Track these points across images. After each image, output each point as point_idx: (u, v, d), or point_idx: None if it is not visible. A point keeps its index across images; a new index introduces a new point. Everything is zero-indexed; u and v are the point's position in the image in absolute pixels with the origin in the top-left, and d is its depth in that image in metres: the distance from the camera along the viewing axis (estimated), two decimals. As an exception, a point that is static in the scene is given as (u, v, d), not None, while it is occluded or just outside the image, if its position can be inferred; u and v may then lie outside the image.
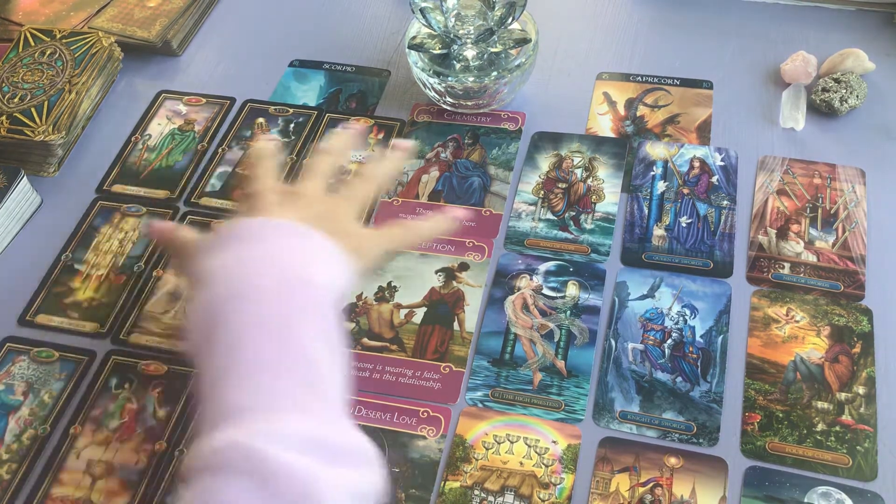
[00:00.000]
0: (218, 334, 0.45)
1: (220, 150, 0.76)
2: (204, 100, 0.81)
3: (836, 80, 0.71)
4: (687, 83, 0.76)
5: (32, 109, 0.75)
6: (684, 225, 0.66)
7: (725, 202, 0.67)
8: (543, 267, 0.65)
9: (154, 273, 0.68)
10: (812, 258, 0.63)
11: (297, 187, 0.56)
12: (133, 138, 0.78)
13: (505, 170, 0.71)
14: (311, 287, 0.48)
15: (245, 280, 0.47)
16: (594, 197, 0.69)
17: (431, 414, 0.58)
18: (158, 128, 0.79)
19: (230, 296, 0.47)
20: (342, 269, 0.51)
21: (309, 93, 0.80)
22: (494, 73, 0.70)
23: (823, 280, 0.62)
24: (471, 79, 0.70)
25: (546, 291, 0.63)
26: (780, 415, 0.56)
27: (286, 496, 0.39)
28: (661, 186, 0.69)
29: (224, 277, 0.48)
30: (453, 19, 0.70)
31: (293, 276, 0.48)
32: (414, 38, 0.72)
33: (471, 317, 0.63)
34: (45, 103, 0.76)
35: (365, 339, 0.63)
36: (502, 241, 0.67)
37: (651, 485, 0.54)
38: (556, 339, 0.61)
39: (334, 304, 0.49)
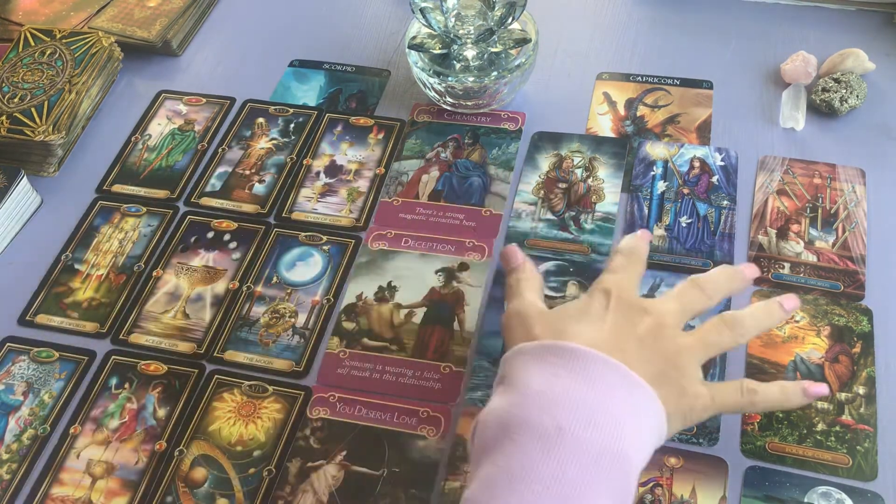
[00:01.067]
0: (501, 457, 0.42)
1: (220, 150, 0.76)
2: (204, 100, 0.81)
3: (836, 80, 0.71)
4: (687, 83, 0.76)
5: (32, 109, 0.75)
6: (684, 225, 0.66)
7: (725, 202, 0.67)
8: (543, 267, 0.65)
9: (154, 273, 0.68)
10: (812, 258, 0.63)
11: (653, 305, 0.50)
12: (133, 138, 0.78)
13: (505, 170, 0.71)
14: (622, 463, 0.43)
15: (562, 427, 0.42)
16: (594, 197, 0.69)
17: (431, 414, 0.58)
18: (158, 128, 0.79)
19: (533, 428, 0.43)
20: (659, 436, 0.46)
21: (309, 93, 0.80)
22: (494, 73, 0.70)
23: (823, 280, 0.62)
24: (471, 79, 0.70)
25: (546, 291, 0.63)
26: (780, 415, 0.56)
27: None
28: (661, 186, 0.69)
29: (536, 404, 0.43)
30: (453, 19, 0.70)
31: (608, 445, 0.43)
32: (414, 38, 0.72)
33: (471, 317, 0.63)
34: (45, 103, 0.76)
35: (365, 339, 0.63)
36: (502, 241, 0.67)
37: (651, 485, 0.54)
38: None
39: (636, 479, 0.44)
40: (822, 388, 0.50)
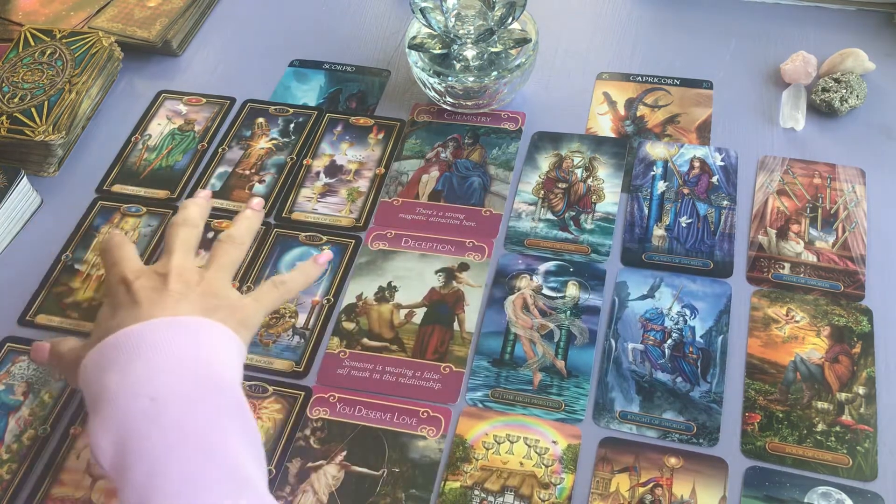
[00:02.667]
0: (134, 457, 0.44)
1: (220, 150, 0.76)
2: (204, 100, 0.81)
3: (836, 80, 0.71)
4: (687, 83, 0.76)
5: (32, 109, 0.75)
6: (684, 225, 0.66)
7: (725, 202, 0.67)
8: (543, 267, 0.65)
9: (154, 273, 0.68)
10: (812, 258, 0.63)
11: (166, 265, 0.54)
12: (133, 138, 0.78)
13: (505, 170, 0.71)
14: (220, 385, 0.48)
15: (155, 397, 0.45)
16: (594, 197, 0.69)
17: (431, 414, 0.58)
18: (158, 128, 0.79)
19: (134, 417, 0.45)
20: (238, 350, 0.51)
21: (309, 93, 0.80)
22: (494, 73, 0.70)
23: (823, 280, 0.62)
24: (471, 79, 0.70)
25: (546, 291, 0.63)
26: (780, 415, 0.56)
27: None
28: (661, 186, 0.69)
29: (129, 396, 0.46)
30: (453, 19, 0.70)
31: (201, 381, 0.47)
32: (414, 38, 0.72)
33: (471, 317, 0.63)
34: (45, 103, 0.76)
35: (365, 340, 0.63)
36: (502, 241, 0.67)
37: (651, 485, 0.54)
38: (556, 340, 0.61)
39: (239, 388, 0.49)
40: (327, 255, 0.61)
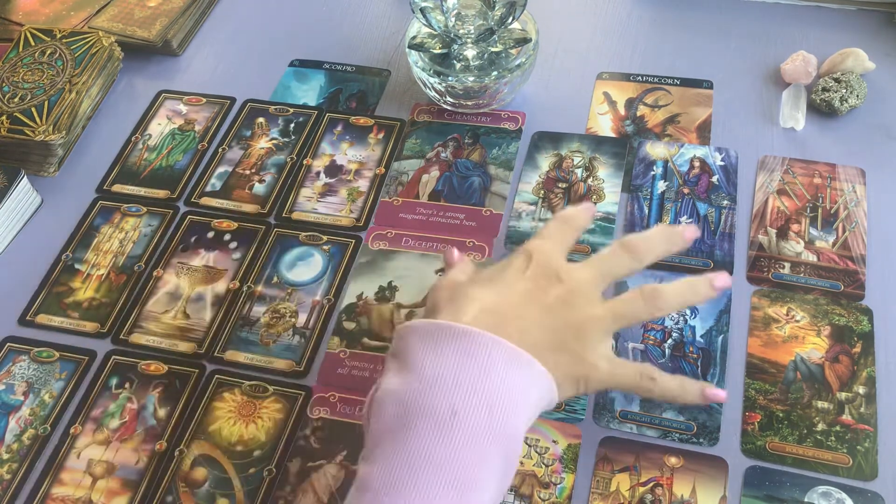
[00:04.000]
0: (402, 446, 0.44)
1: (220, 149, 0.76)
2: (204, 99, 0.81)
3: (837, 80, 0.71)
4: (687, 83, 0.76)
5: (33, 109, 0.75)
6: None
7: (725, 202, 0.67)
8: (544, 267, 0.65)
9: (154, 273, 0.68)
10: (812, 258, 0.63)
11: (570, 276, 0.51)
12: (133, 138, 0.78)
13: (505, 169, 0.71)
14: (511, 436, 0.45)
15: (456, 412, 0.44)
16: (594, 197, 0.69)
17: (432, 414, 0.58)
18: (158, 128, 0.79)
19: (429, 414, 0.44)
20: (546, 405, 0.48)
21: (309, 93, 0.80)
22: (495, 73, 0.70)
23: (824, 280, 0.62)
24: (471, 78, 0.70)
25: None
26: (781, 414, 0.56)
27: None
28: (661, 186, 0.69)
29: (437, 394, 0.45)
30: (453, 19, 0.70)
31: (498, 426, 0.45)
32: (414, 37, 0.72)
33: (471, 316, 0.63)
34: (46, 103, 0.76)
35: (365, 339, 0.63)
36: (503, 240, 0.67)
37: (651, 484, 0.54)
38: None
39: (521, 443, 0.46)
40: (721, 394, 0.50)
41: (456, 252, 0.57)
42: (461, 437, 0.44)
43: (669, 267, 0.64)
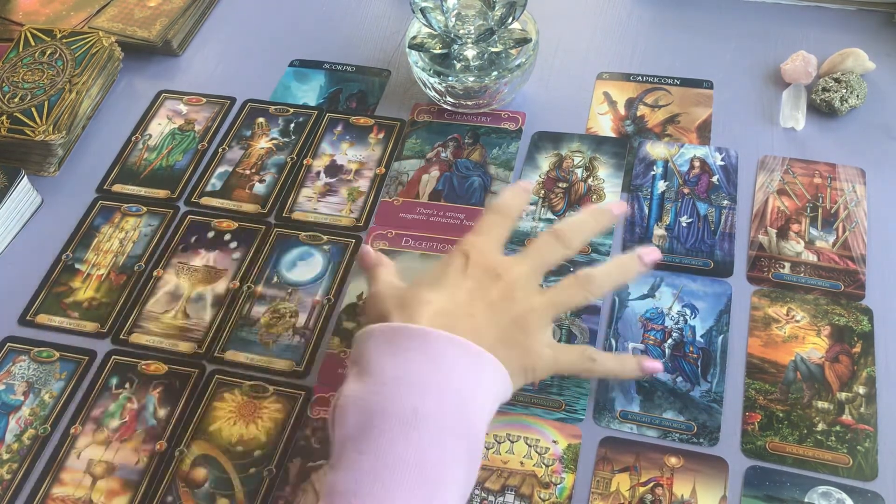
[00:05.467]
0: (368, 449, 0.44)
1: (220, 149, 0.76)
2: (204, 99, 0.81)
3: (837, 80, 0.71)
4: (687, 83, 0.76)
5: (33, 109, 0.75)
6: (684, 224, 0.66)
7: (726, 202, 0.67)
8: (544, 267, 0.65)
9: (154, 273, 0.68)
10: (812, 258, 0.63)
11: (509, 271, 0.52)
12: (133, 138, 0.78)
13: (505, 169, 0.71)
14: (471, 430, 0.46)
15: (417, 409, 0.45)
16: (594, 197, 0.69)
17: (432, 414, 0.58)
18: (159, 128, 0.79)
19: (392, 415, 0.45)
20: (503, 396, 0.50)
21: (309, 93, 0.80)
22: (495, 73, 0.70)
23: (824, 280, 0.62)
24: (471, 78, 0.70)
25: (546, 291, 0.63)
26: (781, 414, 0.56)
27: None
28: (661, 186, 0.69)
29: (398, 395, 0.46)
30: (454, 19, 0.70)
31: (458, 419, 0.46)
32: (414, 37, 0.72)
33: (471, 316, 0.63)
34: (46, 103, 0.76)
35: (365, 339, 0.63)
36: (503, 240, 0.67)
37: (651, 484, 0.54)
38: (556, 339, 0.61)
39: (483, 436, 0.48)
40: (657, 365, 0.54)
41: (371, 251, 0.58)
42: (425, 436, 0.44)
43: (671, 267, 0.64)
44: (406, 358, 0.47)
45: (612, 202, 0.55)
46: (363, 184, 0.72)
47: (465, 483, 0.46)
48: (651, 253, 0.54)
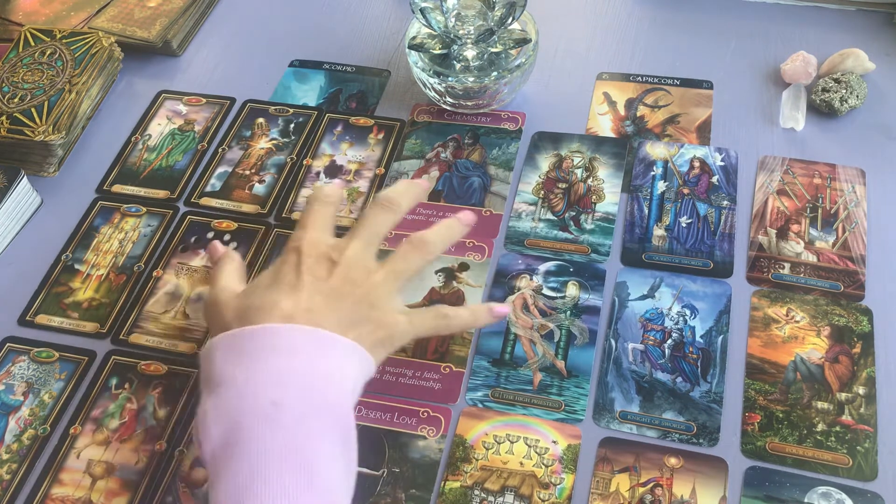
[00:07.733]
0: (239, 453, 0.44)
1: (220, 150, 0.76)
2: (204, 100, 0.81)
3: (836, 80, 0.71)
4: (687, 83, 0.76)
5: (32, 109, 0.75)
6: (684, 225, 0.66)
7: (725, 202, 0.67)
8: (543, 267, 0.65)
9: (154, 273, 0.68)
10: (812, 258, 0.63)
11: (340, 254, 0.54)
12: (133, 138, 0.78)
13: (505, 170, 0.71)
14: (335, 408, 0.47)
15: (276, 402, 0.46)
16: (594, 197, 0.69)
17: (431, 414, 0.58)
18: (158, 128, 0.79)
19: (252, 414, 0.46)
20: (363, 371, 0.51)
21: (309, 93, 0.80)
22: (494, 73, 0.70)
23: (823, 280, 0.62)
24: (471, 79, 0.70)
25: (546, 291, 0.63)
26: (781, 415, 0.56)
27: None
28: (661, 186, 0.69)
29: (254, 394, 0.46)
30: (453, 19, 0.70)
31: (318, 400, 0.47)
32: (414, 38, 0.72)
33: (471, 317, 0.63)
34: (45, 103, 0.76)
35: (365, 339, 0.63)
36: (502, 241, 0.67)
37: (651, 485, 0.54)
38: (556, 340, 0.61)
39: (352, 412, 0.49)
40: (504, 309, 0.57)
41: (220, 246, 0.59)
42: (290, 424, 0.45)
43: (671, 267, 0.64)
44: (253, 358, 0.48)
45: (426, 171, 0.60)
46: (363, 184, 0.72)
47: (344, 458, 0.47)
48: (467, 215, 0.59)
